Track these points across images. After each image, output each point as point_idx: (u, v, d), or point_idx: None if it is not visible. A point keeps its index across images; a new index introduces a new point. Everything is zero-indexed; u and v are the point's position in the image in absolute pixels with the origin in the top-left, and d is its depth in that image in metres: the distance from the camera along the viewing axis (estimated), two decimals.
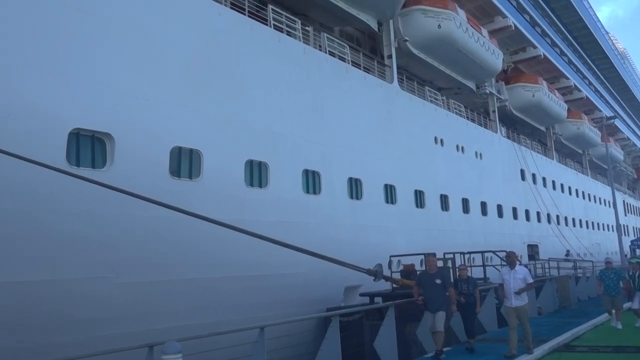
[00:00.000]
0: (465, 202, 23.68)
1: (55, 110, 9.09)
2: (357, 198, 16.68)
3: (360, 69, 18.43)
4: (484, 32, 25.93)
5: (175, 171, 11.12)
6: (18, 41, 8.75)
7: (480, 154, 26.01)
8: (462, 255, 15.94)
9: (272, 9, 14.93)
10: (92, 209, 9.26)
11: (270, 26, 14.65)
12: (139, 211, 9.56)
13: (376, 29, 20.26)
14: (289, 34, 15.39)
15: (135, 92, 10.47)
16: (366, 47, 21.95)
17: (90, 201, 9.13)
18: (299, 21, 15.89)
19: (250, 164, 12.92)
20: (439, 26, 21.56)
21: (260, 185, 13.18)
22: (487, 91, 28.99)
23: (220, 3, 13.20)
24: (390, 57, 20.70)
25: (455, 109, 25.27)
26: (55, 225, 8.90)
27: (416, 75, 23.92)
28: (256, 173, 13.16)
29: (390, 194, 18.42)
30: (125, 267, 9.84)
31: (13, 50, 8.69)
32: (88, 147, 9.73)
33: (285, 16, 15.43)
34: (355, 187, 16.67)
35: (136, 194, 8.80)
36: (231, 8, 13.48)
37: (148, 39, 10.94)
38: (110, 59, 10.12)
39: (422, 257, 13.80)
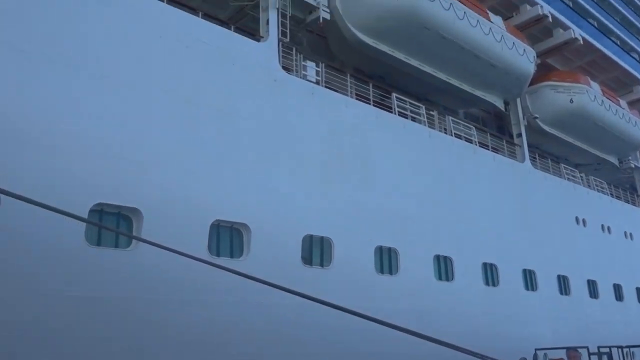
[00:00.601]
0: (617, 288, 21.42)
1: (199, 203, 9.77)
2: (493, 284, 15.77)
3: (488, 149, 18.03)
4: (623, 103, 24.41)
5: (307, 259, 11.34)
6: (169, 141, 9.67)
7: (630, 234, 23.71)
8: (619, 350, 14.21)
9: (396, 97, 15.31)
10: (235, 298, 9.56)
11: (395, 113, 14.97)
12: (274, 299, 9.73)
13: (503, 109, 19.89)
14: (413, 119, 15.61)
15: (271, 183, 11.02)
16: (493, 127, 21.52)
17: (231, 290, 9.47)
18: (423, 106, 16.09)
19: (379, 250, 12.84)
20: (571, 101, 20.70)
21: (390, 272, 12.99)
22: (632, 165, 26.82)
23: (346, 95, 13.79)
24: (519, 135, 20.08)
25: (596, 186, 23.59)
26: (204, 315, 9.29)
27: (549, 153, 22.84)
28: (386, 259, 13.03)
29: (529, 279, 17.21)
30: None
31: (165, 147, 9.59)
32: (227, 237, 10.26)
33: (409, 102, 15.71)
34: (490, 273, 15.81)
35: (271, 282, 8.98)
36: (356, 99, 14.04)
37: (283, 134, 11.60)
38: (249, 154, 10.82)
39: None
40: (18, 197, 6.53)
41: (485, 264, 15.62)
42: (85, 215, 8.14)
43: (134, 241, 8.88)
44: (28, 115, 8.20)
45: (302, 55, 13.24)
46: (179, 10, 10.76)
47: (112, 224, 8.88)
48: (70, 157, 8.41)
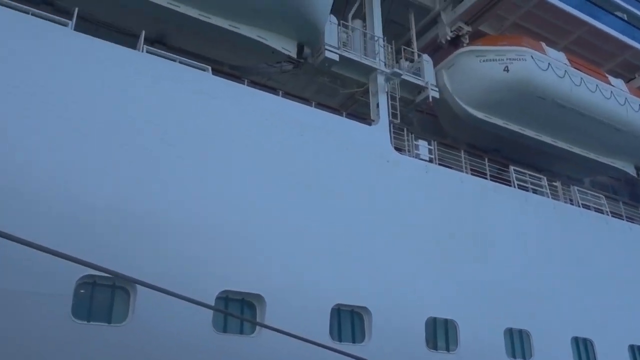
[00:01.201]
0: None
1: (319, 287, 9.79)
2: None
3: (622, 219, 16.63)
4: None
5: (432, 342, 10.82)
6: (290, 227, 9.94)
7: None
8: None
9: (514, 169, 14.78)
10: None
11: (514, 186, 14.40)
12: None
13: (634, 174, 18.47)
14: (534, 191, 14.90)
15: (390, 264, 10.84)
16: (624, 194, 19.95)
17: None
18: (544, 177, 15.36)
19: (509, 332, 11.98)
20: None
21: (523, 356, 12.01)
22: None
23: (461, 171, 13.54)
24: None
25: None
26: None
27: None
28: (517, 342, 12.11)
29: None
30: None
31: (286, 234, 9.85)
32: (348, 321, 10.11)
33: (529, 174, 15.08)
34: None
35: None
36: (472, 174, 13.73)
37: (399, 214, 11.51)
38: (366, 237, 10.79)
39: None
40: (151, 287, 7.03)
41: (632, 347, 13.98)
42: (212, 303, 8.43)
43: (257, 327, 9.01)
44: (157, 204, 8.78)
45: (413, 135, 13.32)
46: (294, 102, 11.38)
47: (237, 311, 9.10)
48: (198, 245, 8.85)
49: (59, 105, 8.45)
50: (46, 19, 9.07)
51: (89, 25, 10.14)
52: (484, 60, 14.57)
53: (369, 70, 13.36)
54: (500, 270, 12.50)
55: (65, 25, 9.15)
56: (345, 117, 12.15)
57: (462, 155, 13.93)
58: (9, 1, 8.81)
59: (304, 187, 10.41)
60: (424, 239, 11.65)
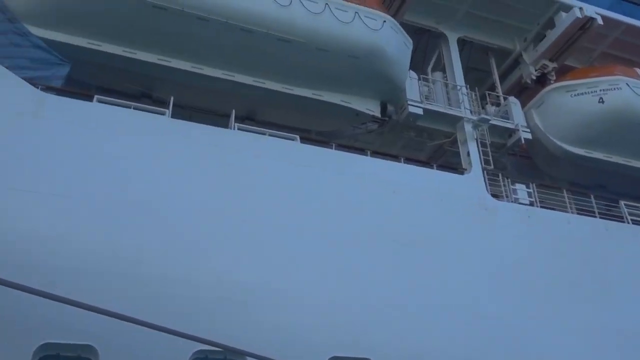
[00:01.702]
0: None
1: (424, 349, 9.37)
2: None
3: None
4: None
5: None
6: (393, 288, 9.69)
7: None
8: None
9: (625, 204, 13.75)
10: None
11: (628, 222, 13.35)
12: None
13: None
14: None
15: (497, 315, 10.24)
16: None
17: None
18: None
19: None
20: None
21: None
22: None
23: (566, 211, 12.78)
24: None
25: None
26: None
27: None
28: None
29: None
30: None
31: (389, 296, 9.60)
32: None
33: None
34: None
35: None
36: (578, 214, 12.93)
37: (504, 263, 10.95)
38: (471, 289, 10.33)
39: None
40: (260, 358, 7.05)
41: None
42: None
43: None
44: (261, 275, 8.83)
45: (509, 180, 12.84)
46: (382, 160, 11.39)
47: None
48: (303, 313, 8.83)
49: (163, 188, 8.95)
50: (146, 111, 9.82)
51: (183, 111, 10.83)
52: (575, 95, 13.99)
53: (455, 120, 13.22)
54: (623, 313, 11.43)
55: (162, 114, 9.84)
56: (437, 169, 11.98)
57: (565, 195, 13.21)
58: (113, 99, 9.65)
59: (404, 245, 10.19)
60: (535, 287, 10.97)
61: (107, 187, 8.55)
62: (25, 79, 9.09)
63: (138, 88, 11.13)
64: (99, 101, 9.49)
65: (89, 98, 9.48)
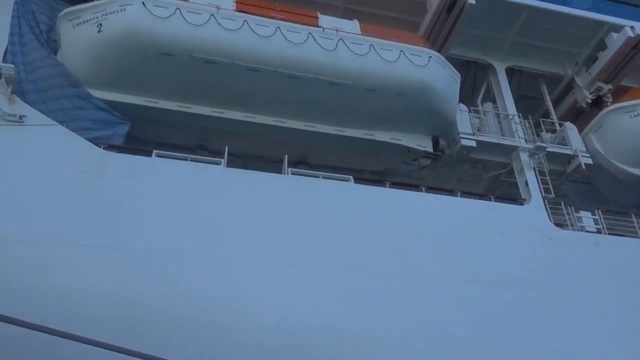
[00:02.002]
0: None
1: None
2: None
3: None
4: None
5: None
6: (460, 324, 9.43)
7: None
8: None
9: None
10: None
11: None
12: None
13: None
14: None
15: (567, 351, 9.76)
16: None
17: None
18: None
19: None
20: None
21: None
22: None
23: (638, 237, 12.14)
24: None
25: None
26: None
27: None
28: None
29: None
30: None
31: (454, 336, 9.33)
32: None
33: None
34: None
35: None
36: None
37: (578, 298, 10.50)
38: (554, 327, 9.91)
39: None
40: None
41: None
42: None
43: None
44: (344, 319, 8.82)
45: (572, 207, 12.38)
46: (438, 195, 11.24)
47: None
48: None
49: (222, 236, 9.11)
50: (202, 162, 10.11)
51: (238, 159, 11.07)
52: (635, 115, 13.49)
53: (510, 150, 12.96)
54: None
55: (218, 164, 10.10)
56: (495, 201, 11.70)
57: (635, 220, 12.59)
58: (171, 153, 10.00)
59: (468, 282, 9.92)
60: (613, 319, 10.38)
61: (168, 238, 8.79)
62: (89, 139, 9.58)
63: (194, 140, 11.48)
64: (158, 156, 9.85)
65: (149, 153, 9.86)
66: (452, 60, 12.94)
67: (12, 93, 9.64)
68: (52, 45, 10.78)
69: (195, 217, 9.13)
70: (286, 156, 10.74)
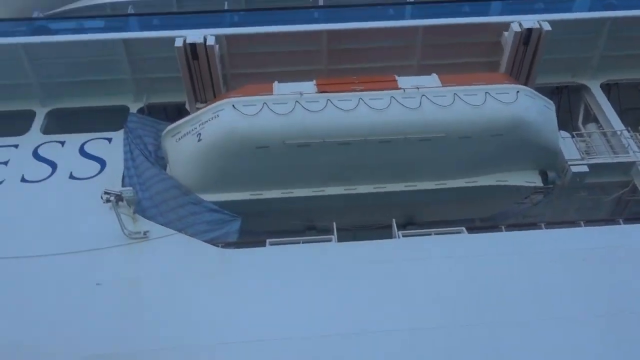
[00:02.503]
0: None
1: None
2: None
3: None
4: None
5: None
6: None
7: None
8: None
9: None
10: None
11: None
12: None
13: None
14: None
15: None
16: None
17: None
18: None
19: None
20: None
21: None
22: None
23: None
24: None
25: None
26: None
27: None
28: None
29: None
30: None
31: None
32: None
33: None
34: None
35: None
36: None
37: None
38: None
39: None
40: None
41: None
42: None
43: None
44: None
45: None
46: (560, 229, 10.61)
47: None
48: None
49: (347, 314, 9.13)
50: (313, 242, 10.33)
51: (347, 232, 11.18)
52: None
53: (628, 166, 12.14)
54: None
55: (329, 240, 10.27)
56: (624, 223, 10.82)
57: None
58: (283, 239, 10.31)
59: (614, 315, 9.09)
60: None
61: (306, 324, 8.97)
62: (207, 241, 10.18)
63: (302, 222, 11.79)
64: (271, 244, 10.18)
65: (262, 244, 10.22)
66: (542, 90, 12.54)
67: (134, 213, 10.55)
68: (160, 162, 11.78)
69: (323, 298, 9.27)
70: (394, 220, 10.71)
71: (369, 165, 11.25)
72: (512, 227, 10.74)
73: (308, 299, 9.24)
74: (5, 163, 12.08)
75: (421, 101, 11.12)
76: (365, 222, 11.81)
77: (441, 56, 13.50)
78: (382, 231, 10.93)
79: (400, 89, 11.44)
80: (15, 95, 13.42)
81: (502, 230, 10.52)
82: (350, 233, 11.36)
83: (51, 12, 17.66)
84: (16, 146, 12.47)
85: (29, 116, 13.26)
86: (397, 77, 11.86)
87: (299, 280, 9.52)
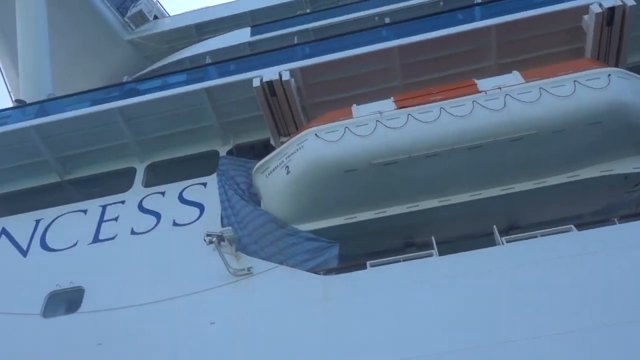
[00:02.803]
0: None
1: None
2: None
3: None
4: None
5: None
6: None
7: None
8: None
9: None
10: None
11: None
12: None
13: None
14: None
15: None
16: None
17: None
18: None
19: None
20: None
21: None
22: None
23: None
24: None
25: None
26: None
27: None
28: None
29: None
30: None
31: None
32: None
33: None
34: None
35: None
36: None
37: None
38: None
39: None
40: None
41: None
42: None
43: None
44: None
45: None
46: None
47: None
48: None
49: (452, 324, 8.89)
50: (415, 258, 10.15)
51: (448, 245, 10.88)
52: None
53: None
54: None
55: (430, 255, 10.06)
56: None
57: None
58: (383, 259, 10.23)
59: None
60: None
61: (409, 345, 8.78)
62: (308, 270, 10.31)
63: (400, 240, 11.65)
64: (372, 266, 10.12)
65: (363, 266, 10.19)
66: (636, 69, 11.75)
67: (236, 251, 10.92)
68: (254, 198, 12.15)
69: (434, 314, 9.08)
70: (494, 226, 10.33)
71: (461, 173, 10.98)
72: (626, 218, 10.01)
73: (419, 317, 9.05)
74: (116, 219, 12.96)
75: (505, 101, 10.77)
76: (465, 232, 11.48)
77: (520, 52, 13.07)
78: (484, 239, 10.55)
79: (481, 92, 11.17)
80: (116, 155, 14.45)
81: (615, 223, 9.83)
82: (452, 245, 11.05)
83: (138, 74, 18.96)
84: (123, 202, 13.35)
85: (131, 172, 14.18)
86: (476, 81, 11.60)
87: (406, 299, 9.35)
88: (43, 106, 15.42)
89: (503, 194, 11.04)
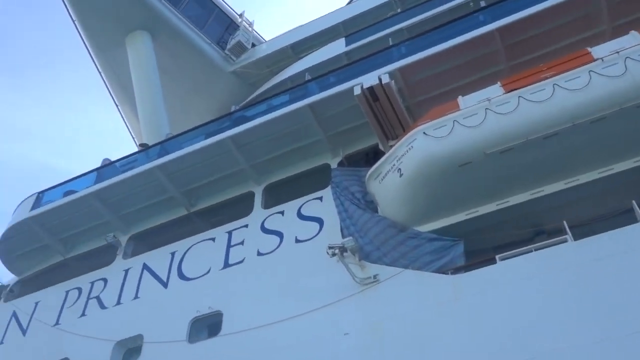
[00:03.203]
0: None
1: None
2: None
3: None
4: None
5: None
6: None
7: None
8: None
9: None
10: None
11: None
12: None
13: None
14: None
15: None
16: None
17: None
18: None
19: None
20: None
21: None
22: None
23: None
24: None
25: None
26: None
27: None
28: None
29: None
30: None
31: None
32: None
33: None
34: None
35: None
36: None
37: None
38: None
39: None
40: None
41: None
42: None
43: None
44: None
45: None
46: None
47: None
48: None
49: (596, 311, 8.27)
50: (547, 247, 9.54)
51: (582, 229, 10.10)
52: None
53: None
54: None
55: (564, 241, 9.43)
56: None
57: None
58: (512, 251, 9.72)
59: None
60: None
61: (559, 336, 8.28)
62: (436, 271, 10.06)
63: (528, 230, 11.02)
64: (502, 259, 9.67)
65: (492, 261, 9.76)
66: None
67: (359, 260, 10.93)
68: (370, 206, 12.11)
69: (575, 304, 8.52)
70: (633, 202, 9.46)
71: (586, 150, 10.18)
72: None
73: (559, 308, 8.51)
74: (242, 243, 13.52)
75: (626, 65, 9.88)
76: (600, 212, 10.62)
77: (636, 9, 11.94)
78: (623, 217, 9.67)
79: (597, 59, 10.33)
80: (234, 181, 15.11)
81: None
82: (587, 228, 10.26)
83: (245, 102, 19.75)
84: (246, 226, 13.89)
85: (250, 197, 14.74)
86: (589, 49, 10.76)
87: (542, 290, 8.85)
88: (164, 146, 16.55)
89: (638, 165, 10.08)
